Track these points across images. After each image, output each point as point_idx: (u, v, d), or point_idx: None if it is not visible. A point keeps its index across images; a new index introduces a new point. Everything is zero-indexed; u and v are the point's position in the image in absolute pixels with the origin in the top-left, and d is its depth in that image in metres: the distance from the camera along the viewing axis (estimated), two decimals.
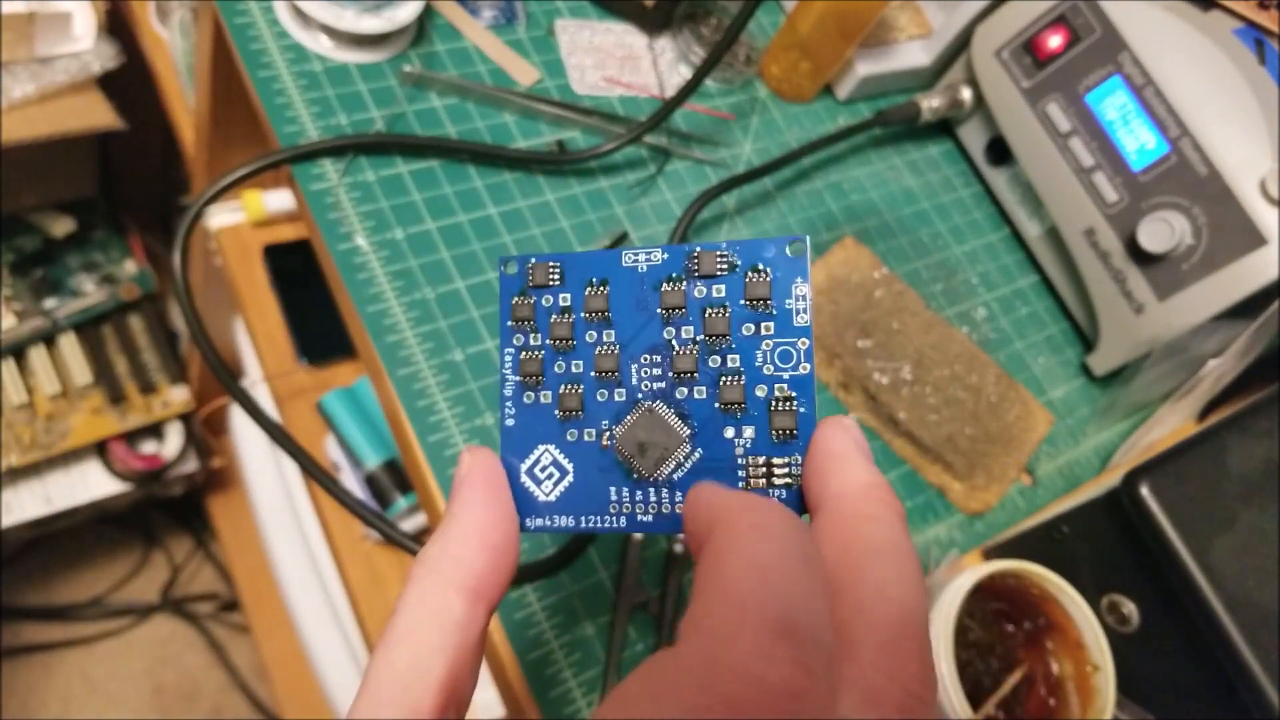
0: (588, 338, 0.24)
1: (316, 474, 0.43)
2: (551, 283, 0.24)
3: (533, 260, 0.24)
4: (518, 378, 0.24)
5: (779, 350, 0.23)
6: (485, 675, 0.69)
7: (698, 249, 0.23)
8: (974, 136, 0.61)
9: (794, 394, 0.23)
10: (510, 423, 0.25)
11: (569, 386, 0.24)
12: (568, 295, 0.24)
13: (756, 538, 0.17)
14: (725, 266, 0.23)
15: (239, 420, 0.95)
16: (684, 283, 0.23)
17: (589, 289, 0.24)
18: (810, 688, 0.15)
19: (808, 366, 0.23)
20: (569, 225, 0.48)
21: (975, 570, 0.42)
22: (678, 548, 0.42)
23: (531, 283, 0.24)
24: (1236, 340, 0.51)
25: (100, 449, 0.87)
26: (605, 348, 0.24)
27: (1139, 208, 0.51)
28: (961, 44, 0.59)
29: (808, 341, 0.23)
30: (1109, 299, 0.53)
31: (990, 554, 0.49)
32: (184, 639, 1.11)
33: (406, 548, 0.42)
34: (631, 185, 0.51)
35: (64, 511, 0.86)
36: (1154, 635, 0.43)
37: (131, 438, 0.89)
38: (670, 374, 0.24)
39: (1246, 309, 0.49)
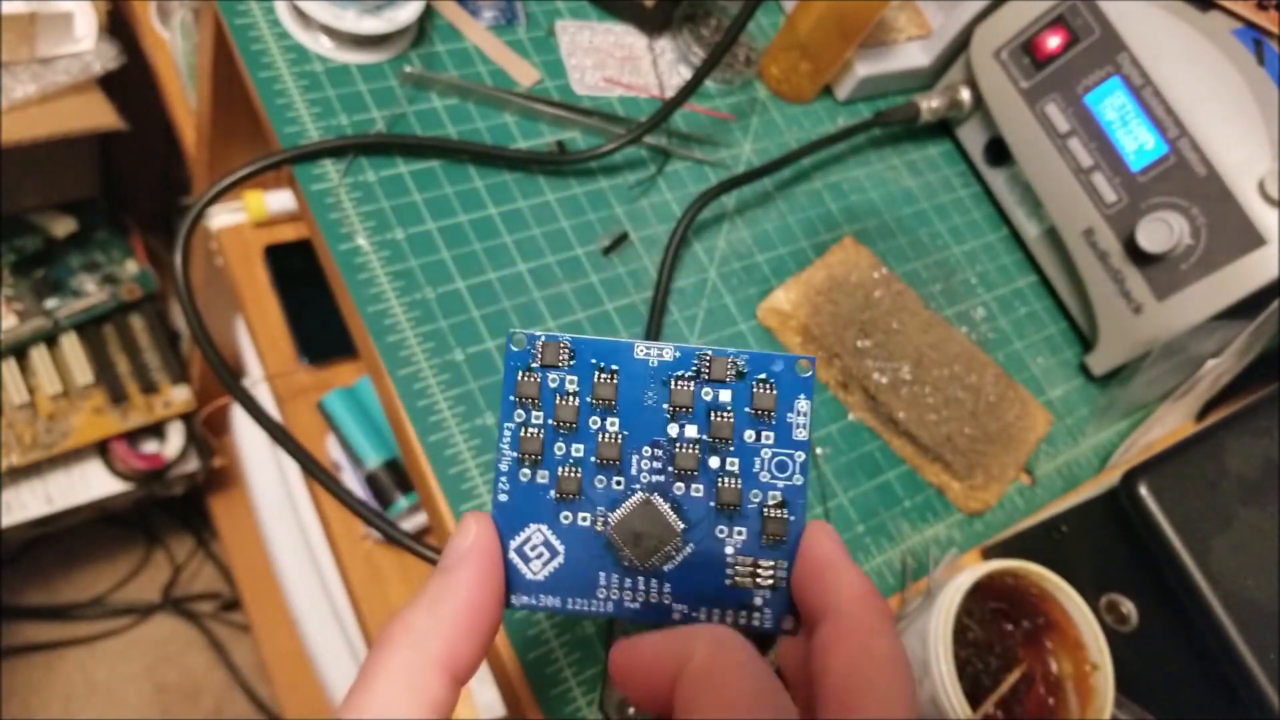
0: (591, 424, 0.24)
1: (317, 474, 0.43)
2: (560, 363, 0.24)
3: (542, 339, 0.24)
4: (515, 454, 0.24)
5: (776, 460, 0.24)
6: (485, 675, 0.69)
7: (709, 353, 0.24)
8: (973, 137, 0.61)
9: (786, 502, 0.24)
10: (504, 498, 0.25)
11: (568, 469, 0.24)
12: (574, 378, 0.24)
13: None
14: (734, 373, 0.24)
15: (240, 420, 0.95)
16: (692, 383, 0.24)
17: (597, 374, 0.24)
18: None
19: (801, 479, 0.24)
20: (569, 225, 0.49)
21: (974, 569, 0.42)
22: None
23: (539, 361, 0.24)
24: (1235, 340, 0.51)
25: (101, 448, 0.88)
26: (608, 435, 0.24)
27: (1138, 208, 0.51)
28: (961, 45, 0.59)
29: (804, 455, 0.24)
30: (1108, 299, 0.53)
31: (989, 553, 0.49)
32: (185, 638, 1.12)
33: (407, 547, 0.42)
34: (631, 185, 0.51)
35: (65, 511, 0.86)
36: (1153, 635, 0.43)
37: (133, 437, 0.89)
38: (670, 468, 0.24)
39: (1245, 309, 0.49)
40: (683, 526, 0.24)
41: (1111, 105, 0.51)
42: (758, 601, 0.24)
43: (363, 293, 0.43)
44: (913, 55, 0.60)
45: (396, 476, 0.70)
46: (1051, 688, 0.44)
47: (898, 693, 0.20)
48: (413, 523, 0.70)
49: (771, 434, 0.24)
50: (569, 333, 0.37)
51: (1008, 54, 0.55)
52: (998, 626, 0.44)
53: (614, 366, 0.24)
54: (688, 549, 0.24)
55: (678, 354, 0.24)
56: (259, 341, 0.75)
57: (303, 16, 0.47)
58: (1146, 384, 0.54)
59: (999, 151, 0.59)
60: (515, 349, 0.25)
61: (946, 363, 0.50)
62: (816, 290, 0.50)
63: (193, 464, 0.93)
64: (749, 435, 0.24)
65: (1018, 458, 0.51)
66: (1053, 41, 0.53)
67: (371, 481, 0.70)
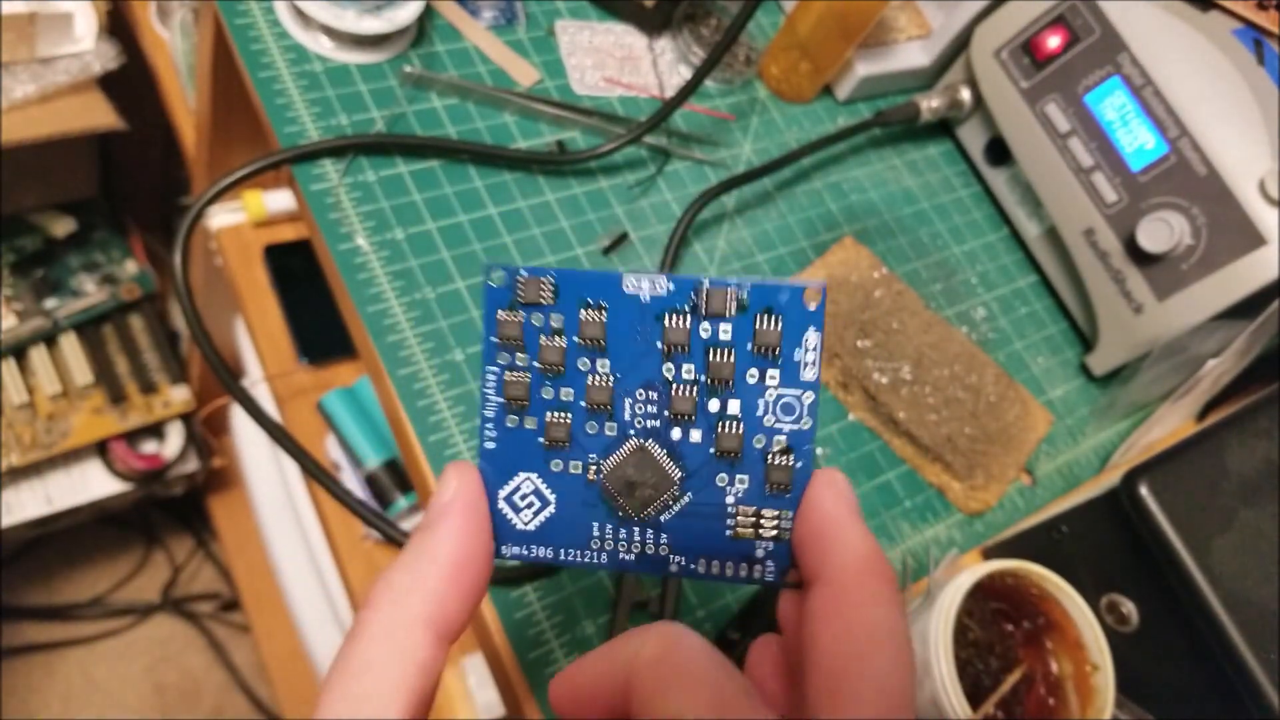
0: (580, 365, 0.23)
1: (317, 474, 0.43)
2: (543, 300, 0.22)
3: (523, 273, 0.22)
4: (501, 399, 0.23)
5: (782, 402, 0.22)
6: (486, 675, 0.69)
7: (706, 283, 0.22)
8: (973, 137, 0.61)
9: (792, 448, 0.22)
10: (491, 445, 0.23)
11: (556, 415, 0.23)
12: (560, 316, 0.22)
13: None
14: (735, 306, 0.22)
15: (240, 420, 0.95)
16: (689, 318, 0.22)
17: (585, 312, 0.22)
18: None
19: (809, 421, 0.22)
20: (569, 225, 0.48)
21: (974, 570, 0.42)
22: None
23: (521, 298, 0.22)
24: (1236, 340, 0.51)
25: (101, 449, 0.88)
26: (599, 378, 0.22)
27: (1138, 208, 0.51)
28: (961, 44, 0.59)
29: (813, 396, 0.22)
30: (1108, 299, 0.53)
31: (989, 554, 0.49)
32: (184, 638, 1.11)
33: None
34: (631, 185, 0.51)
35: (65, 511, 0.86)
36: (1153, 635, 0.43)
37: (132, 437, 0.89)
38: (666, 413, 0.22)
39: (1246, 309, 0.49)
40: (680, 474, 0.23)
41: (1112, 105, 0.51)
42: (759, 554, 0.23)
43: (362, 293, 0.43)
44: (913, 55, 0.60)
45: (396, 477, 0.70)
46: (1052, 688, 0.44)
47: (892, 667, 0.19)
48: (412, 523, 0.69)
49: (777, 373, 0.22)
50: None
51: (1008, 54, 0.55)
52: (998, 627, 0.44)
53: (602, 302, 0.22)
54: (686, 498, 0.23)
55: (672, 287, 0.22)
56: (258, 341, 0.75)
57: (302, 16, 0.47)
58: (1147, 384, 0.54)
59: (999, 151, 0.59)
60: (494, 285, 0.22)
61: (947, 363, 0.50)
62: None
63: (192, 464, 0.93)
64: (752, 375, 0.22)
65: (1018, 458, 0.51)
66: (1053, 41, 0.53)
67: (371, 482, 0.70)
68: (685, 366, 0.22)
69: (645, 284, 0.22)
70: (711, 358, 0.22)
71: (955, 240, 0.59)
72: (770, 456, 0.22)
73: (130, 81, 0.70)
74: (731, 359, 0.22)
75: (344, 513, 0.71)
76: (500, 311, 0.23)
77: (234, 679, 1.10)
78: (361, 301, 0.43)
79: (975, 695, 0.42)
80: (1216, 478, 0.42)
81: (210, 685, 1.10)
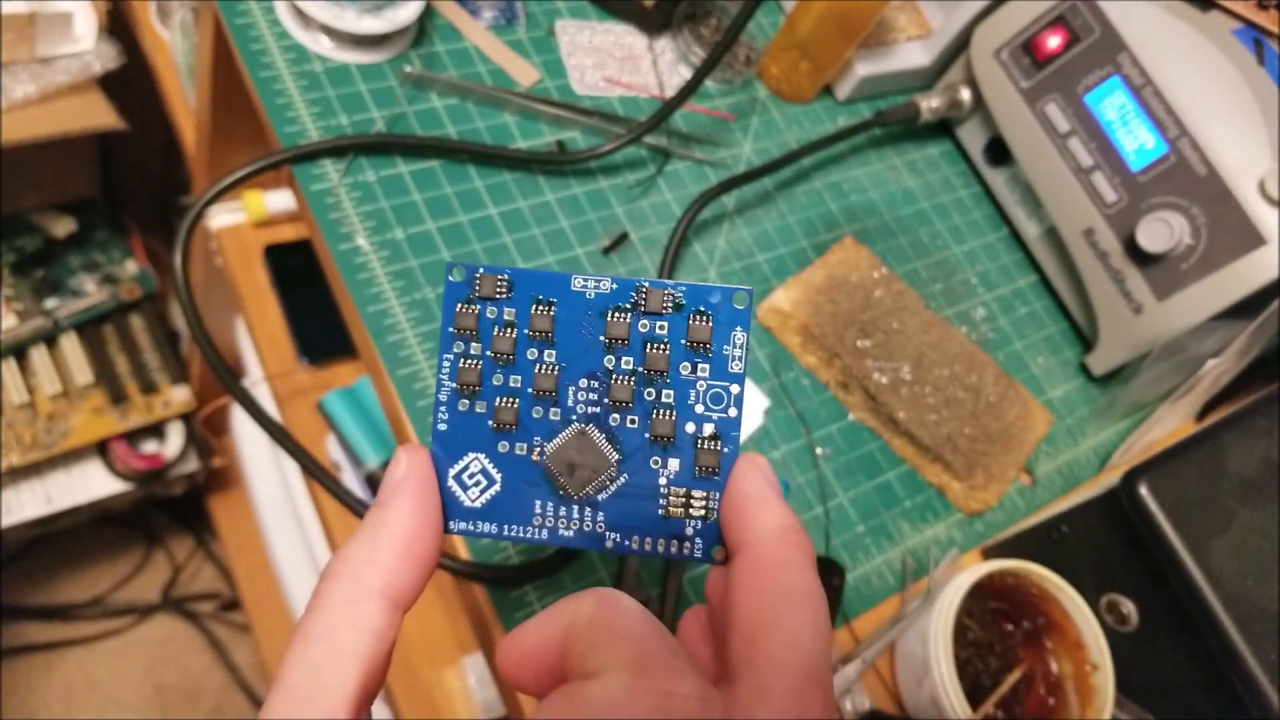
0: (529, 355, 0.25)
1: (317, 474, 0.43)
2: (498, 295, 0.25)
3: (481, 270, 0.24)
4: (454, 384, 0.25)
5: (711, 392, 0.24)
6: (486, 674, 0.69)
7: (645, 284, 0.24)
8: (973, 137, 0.61)
9: (720, 434, 0.24)
10: (443, 427, 0.25)
11: (505, 400, 0.25)
12: (512, 310, 0.25)
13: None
14: (671, 305, 0.24)
15: (240, 420, 0.95)
16: (629, 315, 0.24)
17: (535, 307, 0.24)
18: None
19: (735, 411, 0.24)
20: (569, 225, 0.48)
21: (974, 569, 0.42)
22: None
23: (477, 293, 0.25)
24: (1235, 340, 0.51)
25: (101, 448, 0.88)
26: (545, 367, 0.25)
27: (1138, 208, 0.51)
28: (961, 44, 0.59)
29: (739, 388, 0.24)
30: (1108, 299, 0.53)
31: (989, 553, 0.49)
32: (185, 638, 1.12)
33: None
34: (631, 185, 0.51)
35: (65, 511, 0.86)
36: (1153, 635, 0.43)
37: (132, 437, 0.89)
38: (606, 400, 0.24)
39: (1245, 309, 0.49)
40: (617, 457, 0.25)
41: (1112, 105, 0.51)
42: (689, 532, 0.25)
43: (362, 293, 0.43)
44: (913, 55, 0.60)
45: None
46: (1052, 688, 0.44)
47: (804, 622, 0.20)
48: None
49: (708, 366, 0.24)
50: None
51: (1008, 54, 0.55)
52: (998, 626, 0.44)
53: (552, 299, 0.24)
54: (621, 479, 0.25)
55: (615, 286, 0.24)
56: (259, 341, 0.75)
57: (302, 16, 0.47)
58: (1147, 384, 0.54)
59: (999, 151, 0.59)
60: (455, 280, 0.25)
61: (947, 363, 0.50)
62: (817, 290, 0.50)
63: (192, 464, 0.93)
64: (685, 368, 0.24)
65: (1018, 458, 0.51)
66: (1053, 41, 0.53)
67: (371, 481, 0.70)
68: (624, 359, 0.24)
69: (591, 283, 0.24)
70: (649, 351, 0.24)
71: (955, 240, 0.59)
72: (700, 442, 0.24)
73: (130, 81, 0.70)
74: (666, 352, 0.24)
75: (344, 512, 0.71)
76: (459, 304, 0.25)
77: (234, 679, 1.10)
78: (361, 301, 0.43)
79: (975, 695, 0.42)
80: (1216, 478, 0.42)
81: (210, 685, 1.10)
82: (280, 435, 0.43)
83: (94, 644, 1.08)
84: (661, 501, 0.24)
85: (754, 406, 0.48)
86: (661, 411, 0.24)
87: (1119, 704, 0.43)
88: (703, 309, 0.24)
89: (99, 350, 0.86)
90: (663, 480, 0.25)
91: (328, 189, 0.44)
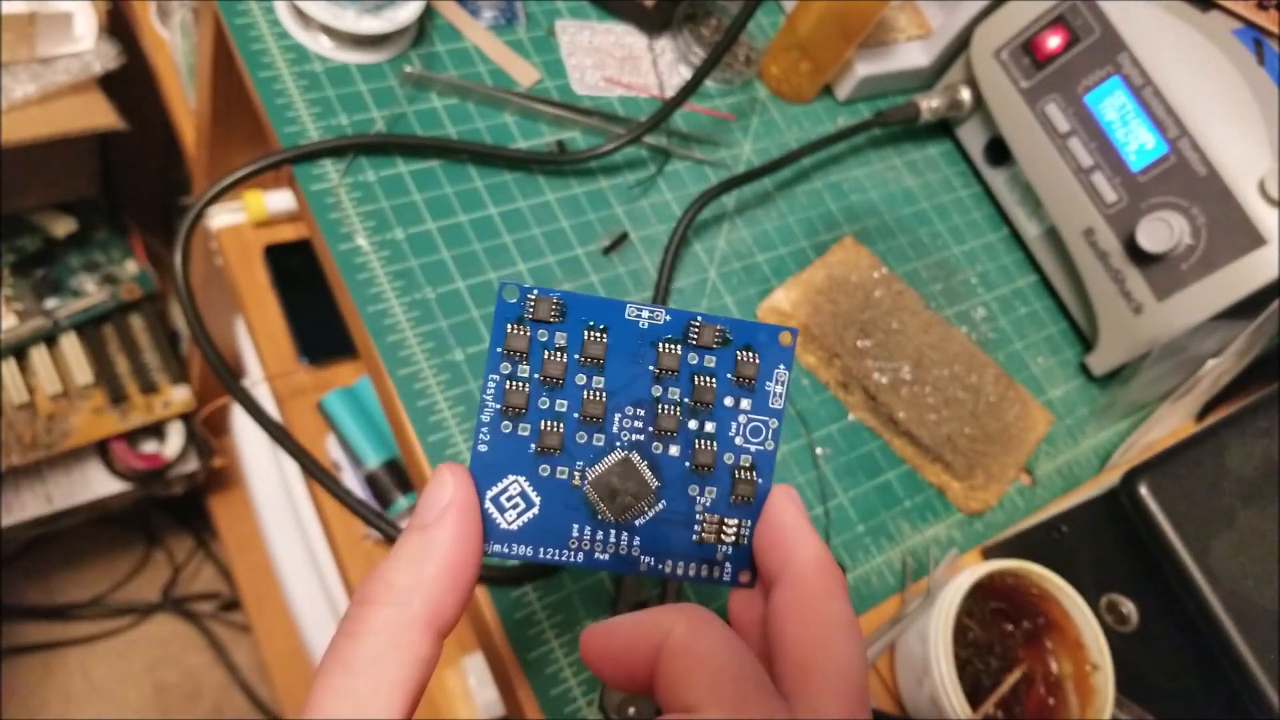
0: (577, 380, 0.25)
1: (317, 474, 0.43)
2: (551, 319, 0.25)
3: (535, 293, 0.24)
4: (498, 406, 0.25)
5: (751, 425, 0.25)
6: (486, 674, 0.69)
7: (699, 319, 0.25)
8: (973, 137, 0.61)
9: (756, 466, 0.25)
10: (484, 449, 0.25)
11: (550, 423, 0.25)
12: (564, 334, 0.25)
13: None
14: (720, 340, 0.25)
15: (240, 420, 0.95)
16: (679, 346, 0.25)
17: (588, 333, 0.25)
18: None
19: (773, 444, 0.25)
20: (569, 225, 0.49)
21: (974, 569, 0.42)
22: None
23: (531, 315, 0.24)
24: (1235, 340, 0.51)
25: (101, 448, 0.88)
26: (594, 393, 0.25)
27: (1138, 208, 0.51)
28: (961, 44, 0.59)
29: (777, 422, 0.25)
30: (1108, 299, 0.53)
31: (989, 553, 0.49)
32: (185, 638, 1.12)
33: None
34: (631, 185, 0.51)
35: (65, 511, 0.86)
36: (1153, 635, 0.43)
37: (132, 437, 0.89)
38: (651, 428, 0.25)
39: (1245, 309, 0.49)
40: (658, 484, 0.25)
41: (1112, 105, 0.51)
42: (719, 556, 0.25)
43: (363, 293, 0.43)
44: (913, 55, 0.60)
45: (396, 476, 0.70)
46: (1052, 688, 0.44)
47: (851, 652, 0.22)
48: None
49: (750, 400, 0.25)
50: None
51: (1008, 54, 0.55)
52: (998, 626, 0.44)
53: (604, 325, 0.25)
54: (660, 505, 0.25)
55: (669, 318, 0.25)
56: (259, 341, 0.75)
57: (302, 16, 0.47)
58: (1147, 384, 0.54)
59: (999, 151, 0.59)
60: (508, 300, 0.24)
61: (947, 363, 0.50)
62: (816, 290, 0.50)
63: (192, 464, 0.93)
64: (728, 400, 0.25)
65: (1018, 458, 0.51)
66: (1053, 41, 0.53)
67: (371, 481, 0.70)
68: (672, 389, 0.25)
69: (645, 313, 0.25)
70: (696, 383, 0.25)
71: (955, 240, 0.59)
72: (737, 472, 0.25)
73: (130, 81, 0.70)
74: (713, 385, 0.25)
75: (344, 512, 0.71)
76: (509, 325, 0.24)
77: (234, 678, 1.10)
78: (362, 301, 0.43)
79: (975, 695, 0.42)
80: (1216, 478, 0.42)
81: (210, 685, 1.10)
82: (280, 435, 0.43)
83: (94, 644, 1.08)
84: (696, 528, 0.25)
85: None
86: (704, 441, 0.25)
87: (1119, 704, 0.43)
88: (750, 345, 0.25)
89: (99, 350, 0.86)
90: (699, 507, 0.25)
91: (328, 189, 0.44)
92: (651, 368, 0.25)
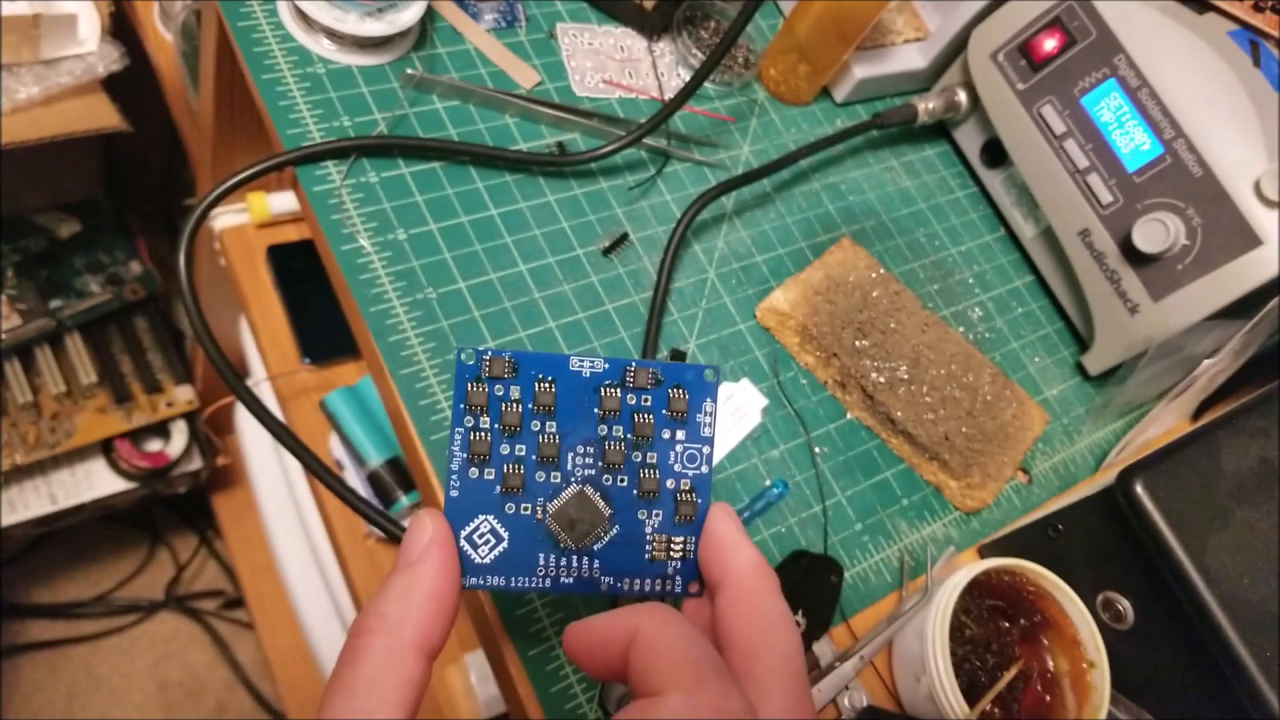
0: (533, 426, 0.28)
1: (320, 472, 0.44)
2: (505, 375, 0.28)
3: (489, 354, 0.27)
4: (465, 455, 0.27)
5: (687, 453, 0.28)
6: (487, 672, 0.70)
7: (633, 365, 0.28)
8: (970, 138, 0.61)
9: (695, 488, 0.29)
10: (455, 494, 0.28)
11: (512, 467, 0.28)
12: (518, 387, 0.28)
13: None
14: (653, 382, 0.28)
15: (243, 419, 0.95)
16: (619, 390, 0.28)
17: (538, 384, 0.28)
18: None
19: (707, 469, 0.29)
20: (569, 226, 0.49)
21: (971, 567, 0.43)
22: None
23: (487, 373, 0.27)
24: (1231, 340, 0.51)
25: (105, 447, 0.88)
26: (547, 436, 0.28)
27: (1134, 209, 0.51)
28: (958, 47, 0.59)
29: (709, 449, 0.29)
30: (1104, 299, 0.54)
31: (986, 551, 0.50)
32: (188, 636, 1.12)
33: None
34: (631, 187, 0.52)
35: (69, 509, 0.86)
36: (1149, 632, 0.43)
37: (136, 436, 0.89)
38: (600, 463, 0.28)
39: (1241, 309, 0.49)
40: (610, 511, 0.28)
41: (1108, 107, 0.52)
42: (670, 571, 0.29)
43: (365, 293, 0.43)
44: (910, 57, 0.61)
45: (399, 475, 0.70)
46: (1048, 685, 0.44)
47: (789, 639, 0.25)
48: None
49: (684, 431, 0.28)
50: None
51: (1004, 56, 0.56)
52: (995, 624, 0.45)
53: (552, 377, 0.28)
54: (614, 530, 0.28)
55: (607, 366, 0.28)
56: (262, 341, 0.76)
57: (305, 19, 0.47)
58: (1142, 383, 0.54)
59: (996, 153, 0.60)
60: (466, 362, 0.27)
61: (944, 362, 0.51)
62: (815, 290, 0.51)
63: (196, 463, 0.94)
64: (665, 433, 0.28)
65: (1014, 456, 0.51)
66: (1049, 43, 0.54)
67: (374, 480, 0.70)
68: (615, 427, 0.28)
69: (587, 364, 0.28)
70: (636, 420, 0.28)
71: (952, 241, 0.59)
72: (679, 495, 0.28)
73: (134, 83, 0.71)
74: (651, 420, 0.28)
75: (347, 511, 0.72)
76: (469, 383, 0.27)
77: (237, 676, 1.11)
78: (364, 302, 0.43)
79: (972, 692, 0.42)
80: (1212, 477, 0.43)
81: (214, 682, 1.10)
82: (283, 434, 0.44)
83: (98, 642, 1.09)
84: (648, 547, 0.28)
85: (753, 406, 0.48)
86: (647, 471, 0.28)
87: (1115, 701, 0.43)
88: (679, 384, 0.28)
89: (103, 350, 0.86)
90: (648, 529, 0.28)
91: (330, 190, 0.45)
92: (596, 410, 0.28)
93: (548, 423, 0.28)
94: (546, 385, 0.28)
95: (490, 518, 0.28)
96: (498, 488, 0.28)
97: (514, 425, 0.27)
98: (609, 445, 0.28)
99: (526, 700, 0.39)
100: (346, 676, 0.23)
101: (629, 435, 0.28)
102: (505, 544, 0.28)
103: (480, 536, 0.28)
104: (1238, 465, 0.43)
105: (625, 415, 0.28)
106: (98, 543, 1.12)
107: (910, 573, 0.47)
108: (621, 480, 0.28)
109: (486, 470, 0.27)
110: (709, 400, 0.28)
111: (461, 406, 0.27)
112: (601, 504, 0.28)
